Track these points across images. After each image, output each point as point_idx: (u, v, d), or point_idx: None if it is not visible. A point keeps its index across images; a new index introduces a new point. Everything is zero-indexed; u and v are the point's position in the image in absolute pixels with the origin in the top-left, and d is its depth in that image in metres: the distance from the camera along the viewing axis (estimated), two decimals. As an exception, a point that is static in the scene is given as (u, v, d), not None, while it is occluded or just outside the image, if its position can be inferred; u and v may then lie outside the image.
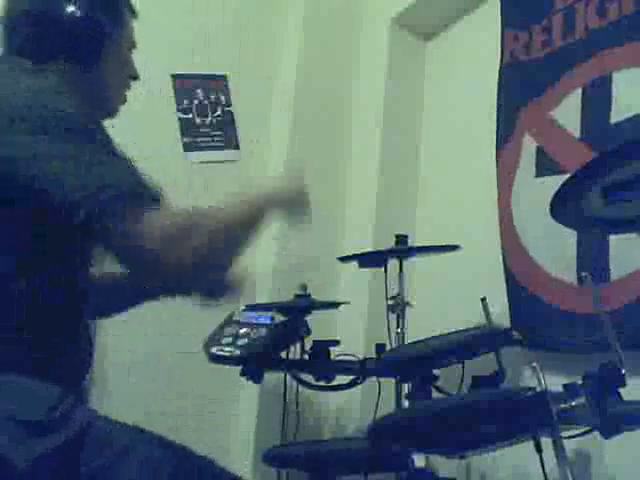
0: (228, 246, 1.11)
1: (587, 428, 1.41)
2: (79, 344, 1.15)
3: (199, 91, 2.95)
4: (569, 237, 2.07)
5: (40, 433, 0.96)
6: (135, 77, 1.36)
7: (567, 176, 1.28)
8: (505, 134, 2.42)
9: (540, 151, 2.29)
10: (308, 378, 2.18)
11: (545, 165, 2.25)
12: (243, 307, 2.18)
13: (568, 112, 2.21)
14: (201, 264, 1.05)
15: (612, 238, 1.99)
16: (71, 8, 1.19)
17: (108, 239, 1.04)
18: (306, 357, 2.14)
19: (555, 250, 2.16)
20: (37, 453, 0.94)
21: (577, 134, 2.18)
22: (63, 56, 1.20)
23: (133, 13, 1.33)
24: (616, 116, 2.06)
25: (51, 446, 0.95)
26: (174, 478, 1.05)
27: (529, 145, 2.33)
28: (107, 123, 1.18)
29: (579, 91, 2.20)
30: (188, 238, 1.03)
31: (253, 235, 1.15)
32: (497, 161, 2.43)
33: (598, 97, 2.13)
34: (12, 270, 1.05)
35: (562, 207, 1.33)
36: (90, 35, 1.21)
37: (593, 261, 2.03)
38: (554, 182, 2.10)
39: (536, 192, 2.22)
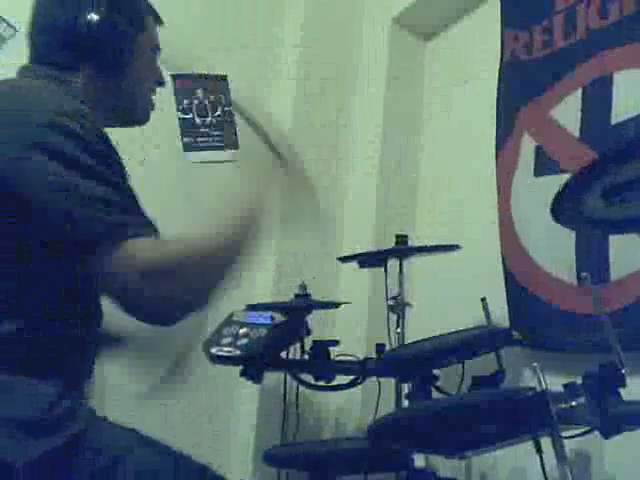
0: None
1: (587, 428, 1.41)
2: (81, 344, 1.15)
3: (199, 91, 2.93)
4: (569, 237, 2.07)
5: (39, 433, 0.96)
6: (161, 83, 1.36)
7: (566, 176, 1.28)
8: (505, 134, 2.41)
9: (539, 150, 2.29)
10: (308, 378, 2.18)
11: (544, 164, 2.25)
12: (243, 307, 2.18)
13: (568, 112, 2.21)
14: (182, 304, 1.05)
15: (612, 238, 1.99)
16: (90, 14, 1.20)
17: (93, 266, 1.02)
18: (306, 357, 2.13)
19: (555, 250, 2.16)
20: (35, 454, 0.94)
21: (577, 134, 2.18)
22: (87, 62, 1.22)
23: (157, 19, 1.37)
24: (616, 117, 2.06)
25: (50, 447, 0.95)
26: None
27: (528, 144, 2.32)
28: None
29: (579, 91, 2.19)
30: (172, 276, 1.01)
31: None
32: (497, 161, 2.43)
33: (598, 97, 2.13)
34: (11, 270, 1.05)
35: (562, 208, 1.32)
36: (110, 39, 1.22)
37: (593, 261, 2.03)
38: (553, 181, 2.11)
39: (535, 191, 2.22)
